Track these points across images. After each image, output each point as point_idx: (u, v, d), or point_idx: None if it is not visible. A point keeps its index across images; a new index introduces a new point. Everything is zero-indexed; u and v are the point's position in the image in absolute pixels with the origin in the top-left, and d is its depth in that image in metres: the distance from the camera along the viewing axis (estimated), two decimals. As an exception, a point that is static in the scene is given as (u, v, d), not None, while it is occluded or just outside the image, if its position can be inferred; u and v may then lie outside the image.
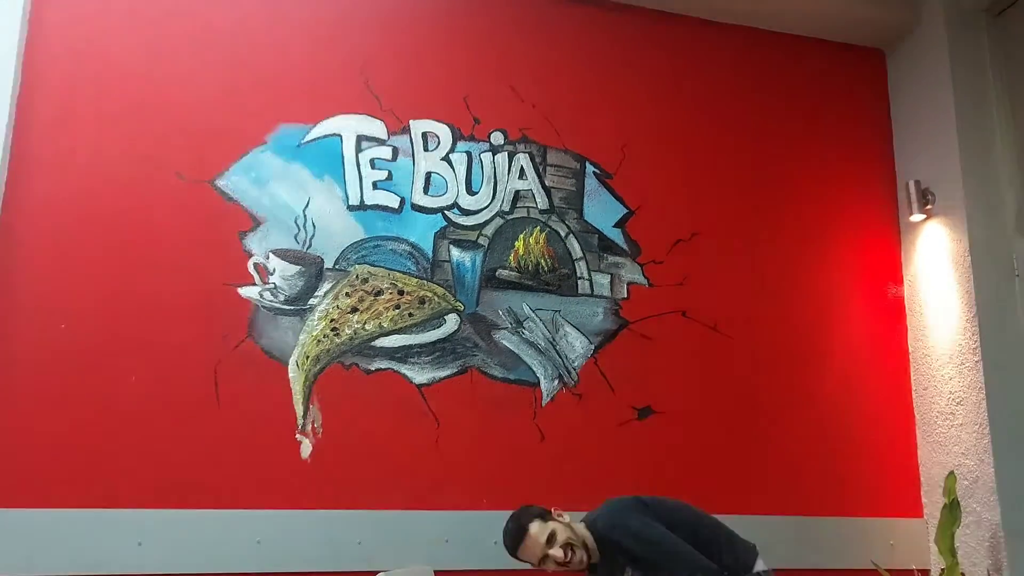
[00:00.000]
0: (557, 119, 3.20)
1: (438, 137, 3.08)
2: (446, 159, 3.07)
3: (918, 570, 3.10)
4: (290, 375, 2.77)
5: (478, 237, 3.04)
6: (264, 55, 2.97)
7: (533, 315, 3.01)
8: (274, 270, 2.83)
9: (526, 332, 2.99)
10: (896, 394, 3.30)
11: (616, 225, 3.18)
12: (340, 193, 2.95)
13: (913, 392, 3.32)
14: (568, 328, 3.04)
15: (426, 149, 3.06)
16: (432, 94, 3.10)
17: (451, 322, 2.94)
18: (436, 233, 3.00)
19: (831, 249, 3.39)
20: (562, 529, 2.37)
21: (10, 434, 2.52)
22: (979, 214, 3.16)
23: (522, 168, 3.14)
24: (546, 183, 3.15)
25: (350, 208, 2.95)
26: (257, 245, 2.84)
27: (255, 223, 2.85)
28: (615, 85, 3.30)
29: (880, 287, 3.40)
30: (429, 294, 2.94)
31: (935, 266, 3.26)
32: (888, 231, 3.47)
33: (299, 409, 2.75)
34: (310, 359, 2.80)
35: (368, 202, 2.97)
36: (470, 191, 3.07)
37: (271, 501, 2.66)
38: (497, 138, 3.13)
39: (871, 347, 3.33)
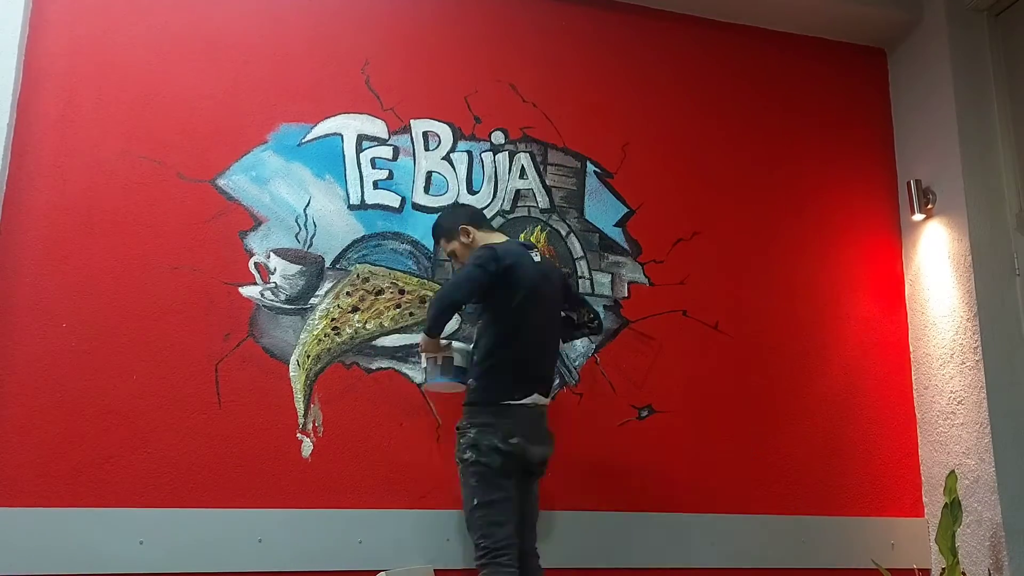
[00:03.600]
0: (558, 118, 3.20)
1: (439, 136, 3.08)
2: (447, 158, 3.07)
3: (919, 569, 3.10)
4: (291, 374, 2.77)
5: (479, 236, 3.04)
6: (265, 54, 2.97)
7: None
8: (275, 269, 2.83)
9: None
10: (897, 393, 3.30)
11: (617, 224, 3.18)
12: (341, 192, 2.95)
13: (914, 391, 3.32)
14: (569, 327, 3.03)
15: (427, 148, 3.06)
16: (433, 93, 3.10)
17: (452, 321, 2.93)
18: (437, 232, 3.00)
19: (832, 248, 3.38)
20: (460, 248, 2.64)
21: (10, 434, 2.52)
22: (980, 213, 3.16)
23: (523, 167, 3.13)
24: (547, 182, 3.15)
25: (351, 207, 2.94)
26: (258, 244, 2.83)
27: (256, 222, 2.85)
28: (616, 84, 3.30)
29: (881, 286, 3.40)
30: (430, 293, 2.93)
31: (936, 265, 3.26)
32: (889, 230, 3.47)
33: (300, 408, 2.75)
34: (311, 358, 2.80)
35: (369, 201, 2.97)
36: (471, 190, 3.07)
37: (272, 500, 2.66)
38: (498, 137, 3.13)
39: (872, 346, 3.32)
